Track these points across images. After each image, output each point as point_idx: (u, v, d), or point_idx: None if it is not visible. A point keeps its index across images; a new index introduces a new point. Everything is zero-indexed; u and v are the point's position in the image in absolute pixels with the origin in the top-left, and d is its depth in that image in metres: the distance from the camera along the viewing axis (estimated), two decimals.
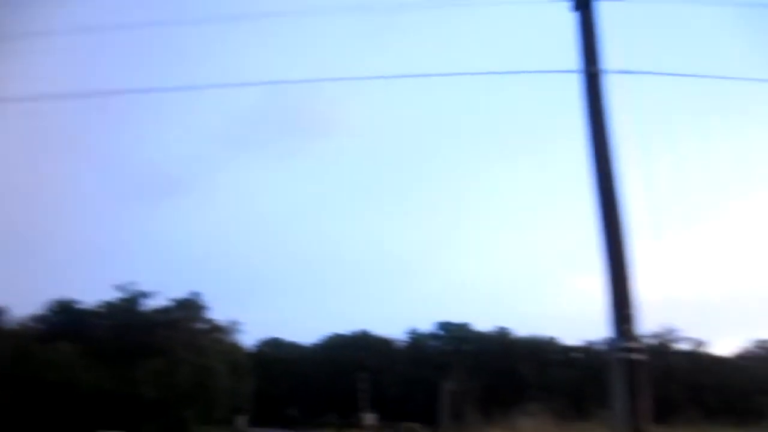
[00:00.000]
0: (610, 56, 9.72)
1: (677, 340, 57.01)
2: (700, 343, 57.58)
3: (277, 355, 66.77)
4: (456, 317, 64.98)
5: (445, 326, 66.54)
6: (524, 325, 63.39)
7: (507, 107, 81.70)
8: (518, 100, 74.55)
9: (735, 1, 12.57)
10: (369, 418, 55.57)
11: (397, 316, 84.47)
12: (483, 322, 63.92)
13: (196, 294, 48.41)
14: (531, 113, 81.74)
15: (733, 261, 72.04)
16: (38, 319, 47.61)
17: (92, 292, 48.62)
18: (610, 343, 8.66)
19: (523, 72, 10.10)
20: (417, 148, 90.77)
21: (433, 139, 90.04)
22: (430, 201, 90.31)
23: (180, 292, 48.12)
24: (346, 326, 68.11)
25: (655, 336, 51.63)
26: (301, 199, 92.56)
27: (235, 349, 51.33)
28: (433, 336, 67.69)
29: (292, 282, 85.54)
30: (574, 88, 9.88)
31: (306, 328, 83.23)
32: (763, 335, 61.33)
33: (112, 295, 47.17)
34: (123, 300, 47.44)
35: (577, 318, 61.41)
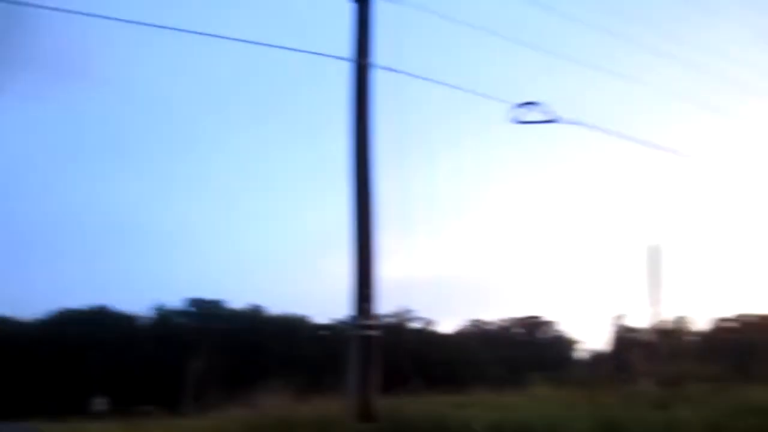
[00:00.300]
0: (381, 52, 10.21)
1: (411, 319, 64.00)
2: (429, 322, 65.47)
3: None
4: (208, 294, 63.21)
5: (196, 303, 64.17)
6: (278, 304, 64.34)
7: (284, 86, 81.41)
8: (297, 80, 74.63)
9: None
10: (98, 404, 50.41)
11: (143, 291, 78.42)
12: (236, 300, 63.29)
13: None
14: (307, 94, 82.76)
15: (465, 251, 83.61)
16: None
17: None
18: (351, 320, 9.20)
19: (296, 50, 10.04)
20: (181, 114, 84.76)
21: (200, 108, 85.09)
22: (186, 171, 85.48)
23: None
24: (80, 300, 60.95)
25: (392, 315, 57.07)
26: (31, 149, 79.27)
27: None
28: (182, 313, 64.67)
29: (11, 247, 72.83)
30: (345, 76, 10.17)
31: (27, 302, 72.11)
32: (478, 315, 73.84)
33: None
34: None
35: (330, 297, 64.63)
